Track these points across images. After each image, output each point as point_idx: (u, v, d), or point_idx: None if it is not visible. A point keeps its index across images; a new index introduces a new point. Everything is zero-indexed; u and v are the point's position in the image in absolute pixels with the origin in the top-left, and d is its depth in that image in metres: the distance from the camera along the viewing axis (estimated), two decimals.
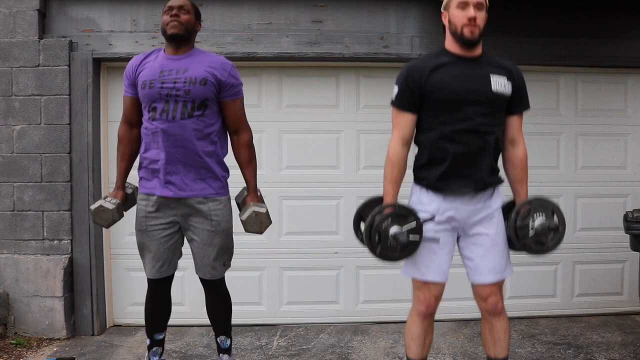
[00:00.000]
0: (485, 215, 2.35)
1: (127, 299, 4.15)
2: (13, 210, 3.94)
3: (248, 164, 2.58)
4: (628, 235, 3.52)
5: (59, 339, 3.87)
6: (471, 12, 2.20)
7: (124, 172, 2.61)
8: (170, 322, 3.59)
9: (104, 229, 4.08)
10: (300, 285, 4.24)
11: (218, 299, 2.68)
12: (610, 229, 4.25)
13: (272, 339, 3.91)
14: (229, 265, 2.68)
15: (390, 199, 2.33)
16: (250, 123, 4.17)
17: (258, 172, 4.20)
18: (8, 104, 3.92)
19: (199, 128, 2.42)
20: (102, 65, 4.07)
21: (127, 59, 3.98)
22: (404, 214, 2.26)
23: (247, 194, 2.64)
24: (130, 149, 2.58)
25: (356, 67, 4.20)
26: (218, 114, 2.50)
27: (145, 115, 2.48)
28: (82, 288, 3.96)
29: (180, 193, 2.46)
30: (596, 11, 4.07)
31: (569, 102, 4.34)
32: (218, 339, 2.79)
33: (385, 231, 2.24)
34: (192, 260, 2.67)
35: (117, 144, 2.62)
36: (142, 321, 3.80)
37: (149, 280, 2.64)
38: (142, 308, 3.56)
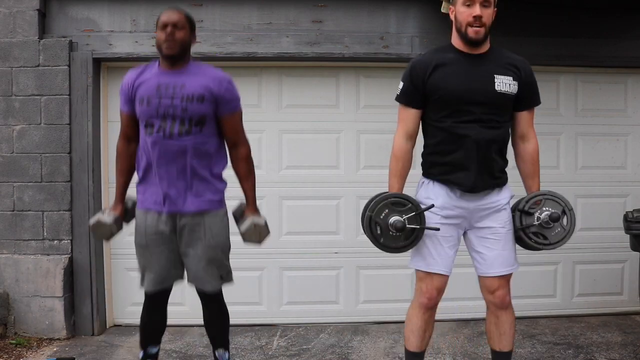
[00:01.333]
0: (493, 209, 2.36)
1: (127, 299, 4.14)
2: (13, 210, 3.94)
3: (247, 177, 2.58)
4: (628, 235, 3.51)
5: (59, 339, 3.87)
6: (477, 9, 2.18)
7: (122, 186, 2.60)
8: (170, 322, 3.59)
9: None
10: (300, 285, 4.24)
11: (216, 313, 2.65)
12: (610, 229, 4.24)
13: (272, 339, 3.91)
14: (230, 280, 2.64)
15: (395, 192, 2.34)
16: (250, 123, 4.18)
17: (258, 172, 4.21)
18: (8, 104, 3.92)
19: (196, 144, 2.43)
20: (102, 65, 4.07)
21: (127, 59, 4.03)
22: (402, 202, 2.26)
23: (246, 206, 2.61)
24: (128, 163, 2.57)
25: (356, 67, 4.20)
26: (216, 128, 2.50)
27: (142, 130, 2.47)
28: (82, 288, 3.96)
29: (175, 208, 2.47)
30: (596, 11, 4.07)
31: (569, 102, 4.34)
32: (216, 352, 2.76)
33: (384, 221, 2.24)
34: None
35: (115, 158, 2.61)
36: None
37: (146, 293, 2.59)
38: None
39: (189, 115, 2.38)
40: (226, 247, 2.60)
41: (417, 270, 2.45)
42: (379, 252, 4.20)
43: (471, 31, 2.21)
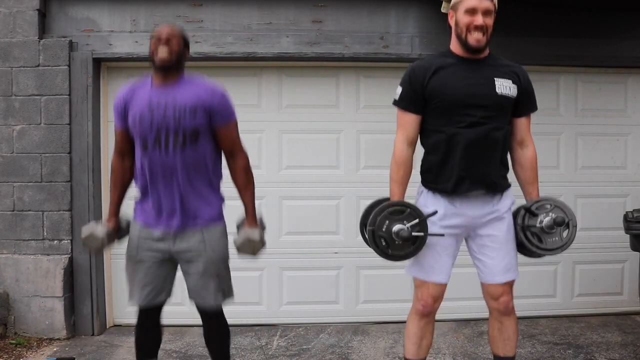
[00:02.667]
0: (494, 217, 2.35)
1: (127, 298, 4.13)
2: (13, 210, 3.94)
3: (245, 188, 2.53)
4: (628, 235, 3.52)
5: (59, 339, 3.87)
6: (479, 19, 2.17)
7: (117, 200, 2.57)
8: (170, 322, 3.59)
9: None
10: (300, 285, 4.24)
11: (216, 330, 2.57)
12: (610, 229, 4.25)
13: (272, 339, 3.91)
14: (231, 295, 2.58)
15: (396, 199, 2.31)
16: (250, 123, 4.22)
17: (258, 172, 4.21)
18: (8, 104, 3.92)
19: (191, 158, 2.40)
20: (102, 65, 4.07)
21: (127, 59, 4.03)
22: (405, 210, 2.25)
23: (245, 218, 2.57)
24: (122, 178, 2.55)
25: (356, 67, 4.20)
26: (211, 140, 2.46)
27: (138, 149, 2.44)
28: (82, 288, 3.96)
29: (172, 228, 2.44)
30: (596, 11, 4.07)
31: (569, 102, 4.34)
32: None
33: (388, 231, 2.23)
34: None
35: (110, 172, 2.60)
36: None
37: (140, 308, 2.53)
38: None
39: (183, 128, 2.35)
40: (226, 260, 2.55)
41: (415, 279, 2.44)
42: None
43: (472, 39, 2.19)
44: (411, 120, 2.30)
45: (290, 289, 4.25)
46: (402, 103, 2.31)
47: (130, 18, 3.97)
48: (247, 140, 4.17)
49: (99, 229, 2.50)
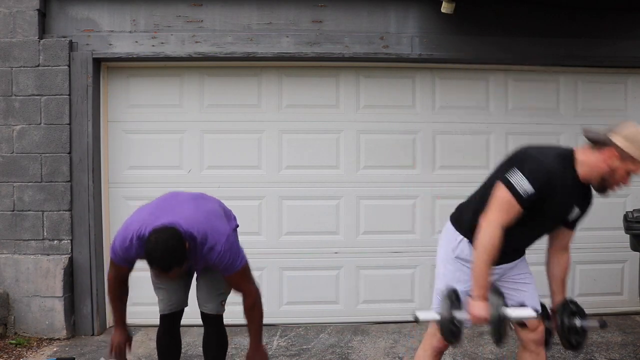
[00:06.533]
0: (521, 260, 2.51)
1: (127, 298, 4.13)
2: (13, 210, 3.93)
3: (251, 322, 2.69)
4: (628, 235, 3.52)
5: (59, 339, 3.87)
6: (630, 181, 2.25)
7: (121, 311, 2.74)
8: None
9: (103, 228, 4.09)
10: (300, 285, 4.24)
11: (213, 336, 2.81)
12: (610, 229, 4.23)
13: (272, 339, 3.91)
14: (223, 310, 2.84)
15: (487, 284, 2.27)
16: (250, 123, 4.23)
17: (258, 172, 4.24)
18: (8, 104, 3.92)
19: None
20: (102, 65, 4.07)
21: (127, 59, 4.02)
22: (499, 294, 2.26)
23: (249, 347, 2.73)
24: (123, 292, 2.70)
25: (356, 67, 4.20)
26: None
27: None
28: (82, 288, 3.96)
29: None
30: (596, 11, 4.07)
31: (569, 102, 4.34)
32: None
33: (504, 316, 2.20)
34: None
35: (108, 287, 2.71)
36: (141, 321, 3.82)
37: (161, 316, 2.79)
38: (142, 308, 3.58)
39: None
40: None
41: (432, 324, 2.47)
42: (379, 252, 4.25)
43: (613, 189, 2.28)
44: (517, 213, 2.25)
45: (290, 289, 4.25)
46: (525, 200, 2.22)
47: (130, 18, 3.97)
48: (247, 140, 4.22)
49: None
